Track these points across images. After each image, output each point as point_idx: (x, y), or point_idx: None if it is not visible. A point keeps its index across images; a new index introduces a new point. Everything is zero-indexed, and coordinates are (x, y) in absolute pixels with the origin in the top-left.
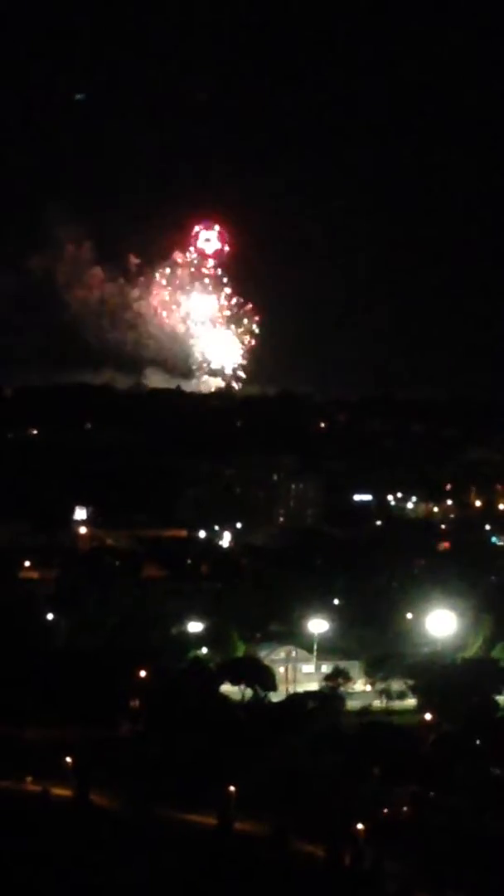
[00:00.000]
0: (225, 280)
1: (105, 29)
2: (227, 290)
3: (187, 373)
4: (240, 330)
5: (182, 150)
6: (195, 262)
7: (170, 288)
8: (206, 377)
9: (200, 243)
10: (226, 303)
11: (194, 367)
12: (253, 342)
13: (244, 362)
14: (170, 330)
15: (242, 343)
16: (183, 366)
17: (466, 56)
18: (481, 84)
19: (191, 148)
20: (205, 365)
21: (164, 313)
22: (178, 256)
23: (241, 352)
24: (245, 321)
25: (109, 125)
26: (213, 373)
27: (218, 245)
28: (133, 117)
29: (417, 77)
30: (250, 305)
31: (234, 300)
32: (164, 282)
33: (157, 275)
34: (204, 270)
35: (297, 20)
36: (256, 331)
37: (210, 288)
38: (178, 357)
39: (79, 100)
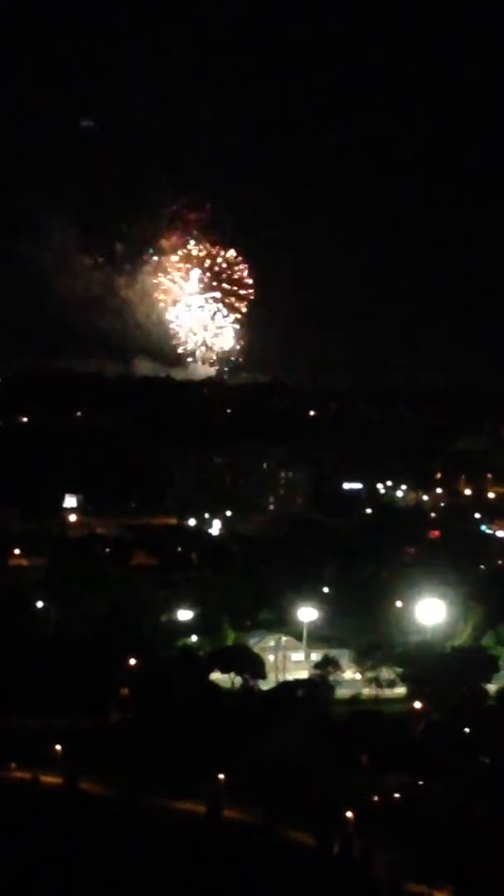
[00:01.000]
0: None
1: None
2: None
3: (174, 360)
4: (230, 318)
5: (170, 132)
6: (187, 249)
7: (157, 275)
8: (194, 365)
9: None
10: (215, 288)
11: (183, 355)
12: (239, 328)
13: (234, 350)
14: (156, 317)
15: (232, 331)
16: (171, 353)
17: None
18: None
19: (179, 130)
20: (193, 353)
21: (152, 300)
22: (164, 243)
23: (231, 340)
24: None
25: (96, 112)
26: (202, 360)
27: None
28: (119, 103)
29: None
30: (242, 293)
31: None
32: (150, 269)
33: (144, 262)
34: (193, 256)
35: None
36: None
37: (199, 276)
38: (166, 345)
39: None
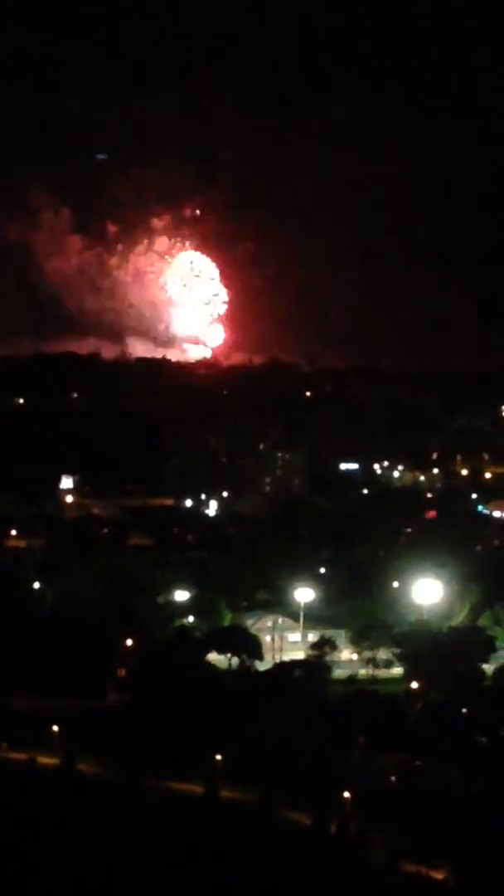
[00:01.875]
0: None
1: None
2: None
3: (168, 342)
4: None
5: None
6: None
7: (149, 255)
8: (188, 346)
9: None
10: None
11: (176, 336)
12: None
13: (228, 330)
14: (150, 298)
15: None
16: (164, 334)
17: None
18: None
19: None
20: (186, 334)
21: (145, 280)
22: (156, 224)
23: (225, 319)
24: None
25: (84, 90)
26: (196, 341)
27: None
28: (108, 82)
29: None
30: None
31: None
32: (142, 249)
33: (136, 242)
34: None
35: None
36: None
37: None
38: (160, 326)
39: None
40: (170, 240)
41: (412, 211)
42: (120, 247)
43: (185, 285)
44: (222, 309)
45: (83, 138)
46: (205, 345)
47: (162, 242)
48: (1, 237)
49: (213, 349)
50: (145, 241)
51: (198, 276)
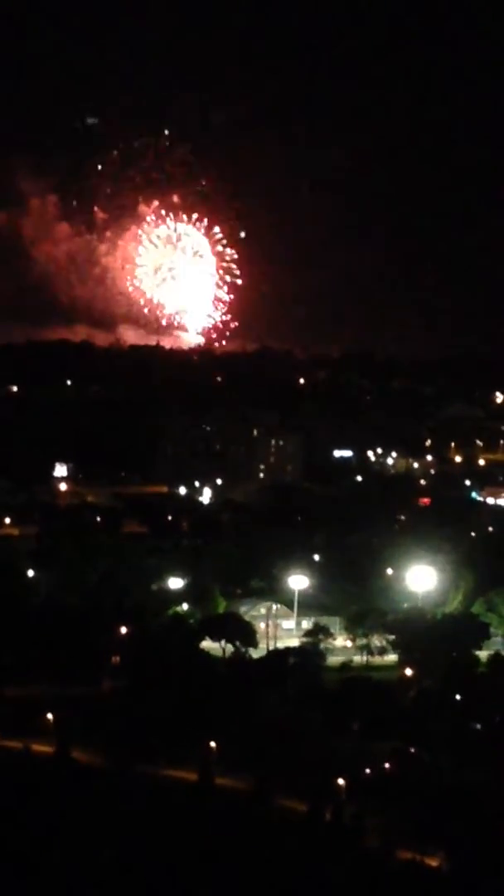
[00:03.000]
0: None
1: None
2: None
3: (159, 329)
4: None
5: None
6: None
7: (138, 242)
8: (180, 333)
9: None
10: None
11: (168, 323)
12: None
13: (221, 317)
14: (139, 285)
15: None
16: (155, 321)
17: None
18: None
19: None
20: (178, 321)
21: (135, 267)
22: (144, 209)
23: (219, 306)
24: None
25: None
26: (184, 327)
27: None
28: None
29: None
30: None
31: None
32: (131, 236)
33: (124, 229)
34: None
35: None
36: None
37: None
38: (150, 313)
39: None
40: (159, 227)
41: (408, 197)
42: (109, 234)
43: (176, 273)
44: (215, 296)
45: (71, 125)
46: (197, 332)
47: (151, 230)
48: None
49: (206, 336)
50: (134, 228)
51: (190, 262)
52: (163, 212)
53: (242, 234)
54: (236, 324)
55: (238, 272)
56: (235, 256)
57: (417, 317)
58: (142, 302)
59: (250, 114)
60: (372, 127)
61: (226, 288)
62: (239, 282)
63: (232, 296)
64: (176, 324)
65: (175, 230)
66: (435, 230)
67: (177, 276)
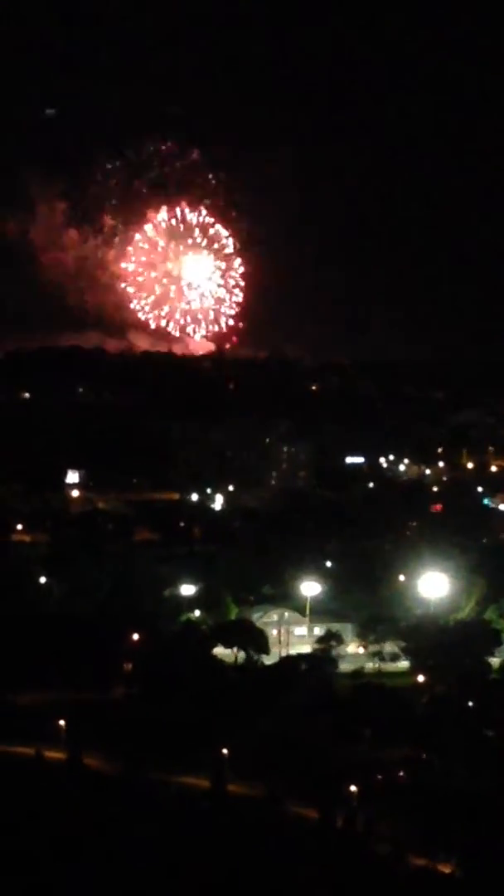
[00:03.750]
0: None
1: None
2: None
3: (169, 335)
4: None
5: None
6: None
7: (148, 248)
8: (191, 339)
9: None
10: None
11: (177, 330)
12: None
13: (231, 323)
14: (148, 291)
15: (229, 303)
16: (165, 328)
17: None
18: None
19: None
20: (189, 327)
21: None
22: (152, 216)
23: (230, 312)
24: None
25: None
26: (197, 334)
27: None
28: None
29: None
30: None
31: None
32: (140, 242)
33: (133, 235)
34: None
35: None
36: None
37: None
38: (160, 319)
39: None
40: (169, 233)
41: (418, 199)
42: (117, 240)
43: (185, 279)
44: (225, 302)
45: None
46: (208, 338)
47: (160, 236)
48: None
49: (218, 343)
50: (143, 234)
51: (200, 268)
52: (173, 221)
53: (253, 240)
54: (248, 330)
55: (248, 278)
56: (246, 262)
57: (429, 322)
58: (151, 308)
59: (261, 119)
60: (381, 133)
61: (237, 294)
62: (250, 288)
63: (243, 302)
64: (186, 330)
65: (184, 236)
66: (448, 235)
67: (187, 282)
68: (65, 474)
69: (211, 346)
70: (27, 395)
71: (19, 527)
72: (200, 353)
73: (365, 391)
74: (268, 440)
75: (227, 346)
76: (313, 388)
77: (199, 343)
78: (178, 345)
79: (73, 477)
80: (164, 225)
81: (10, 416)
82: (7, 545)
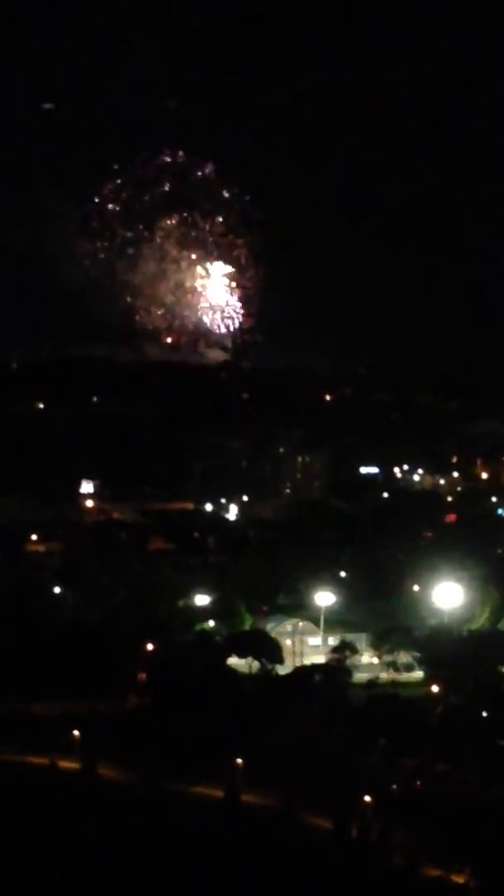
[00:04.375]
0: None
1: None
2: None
3: (182, 345)
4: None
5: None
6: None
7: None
8: (204, 349)
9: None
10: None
11: (190, 340)
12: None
13: (246, 334)
14: (161, 301)
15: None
16: (177, 338)
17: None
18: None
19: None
20: (202, 336)
21: (156, 284)
22: (164, 224)
23: (241, 322)
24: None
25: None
26: (210, 344)
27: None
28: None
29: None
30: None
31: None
32: (151, 252)
33: (145, 245)
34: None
35: None
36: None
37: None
38: (172, 329)
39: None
40: (181, 243)
41: (436, 207)
42: (129, 251)
43: (197, 289)
44: (239, 312)
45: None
46: (221, 348)
47: (172, 246)
48: (10, 242)
49: (232, 353)
50: (155, 245)
51: (212, 278)
52: (183, 229)
53: (266, 249)
54: (261, 340)
55: (262, 287)
56: (259, 272)
57: (444, 332)
58: (163, 318)
59: (274, 128)
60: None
61: (250, 304)
62: (263, 297)
63: (256, 312)
64: (200, 340)
65: (196, 246)
66: (464, 244)
67: (199, 292)
68: (79, 484)
69: (225, 356)
70: (41, 405)
71: (34, 537)
72: (214, 362)
73: (379, 401)
74: (282, 450)
75: (242, 356)
76: (327, 397)
77: (212, 353)
78: (191, 355)
79: (87, 487)
80: (175, 235)
81: (25, 426)
82: (22, 555)
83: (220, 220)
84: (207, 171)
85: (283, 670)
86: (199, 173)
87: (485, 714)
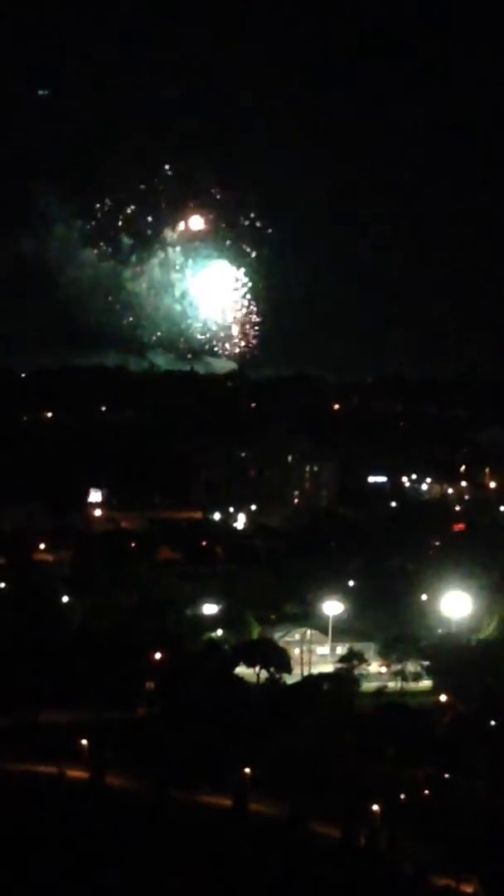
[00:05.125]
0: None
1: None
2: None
3: (189, 354)
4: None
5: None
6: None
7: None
8: (210, 358)
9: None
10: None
11: (200, 348)
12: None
13: (250, 342)
14: (166, 310)
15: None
16: (184, 347)
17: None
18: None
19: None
20: (208, 346)
21: (163, 293)
22: (170, 233)
23: (246, 331)
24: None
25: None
26: (216, 353)
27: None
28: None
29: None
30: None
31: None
32: (157, 261)
33: (150, 254)
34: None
35: None
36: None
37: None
38: (179, 338)
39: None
40: (186, 250)
41: (441, 216)
42: (134, 258)
43: (203, 298)
44: (246, 321)
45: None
46: (228, 357)
47: (177, 254)
48: (16, 251)
49: (240, 362)
50: (160, 253)
51: (218, 286)
52: (189, 237)
53: (273, 258)
54: (269, 349)
55: (269, 296)
56: (266, 281)
57: (450, 340)
58: (170, 327)
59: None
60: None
61: (257, 313)
62: (270, 306)
63: (263, 321)
64: (206, 349)
65: (202, 254)
66: (470, 252)
67: (205, 301)
68: (87, 493)
69: (232, 365)
70: (49, 413)
71: (42, 545)
72: (222, 371)
73: (387, 410)
74: (290, 459)
75: (249, 365)
76: (335, 406)
77: (220, 362)
78: (199, 363)
79: (95, 496)
80: (181, 243)
81: (33, 434)
82: (30, 564)
83: (225, 227)
84: (214, 179)
85: (291, 679)
86: (206, 181)
87: (493, 723)
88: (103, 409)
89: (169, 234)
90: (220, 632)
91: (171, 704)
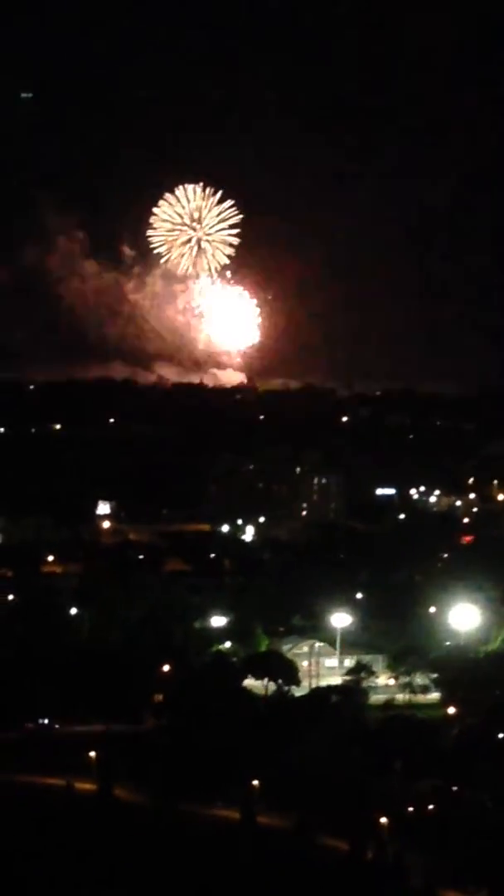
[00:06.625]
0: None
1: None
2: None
3: (196, 366)
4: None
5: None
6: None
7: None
8: (218, 371)
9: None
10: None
11: (205, 360)
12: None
13: (262, 355)
14: (169, 322)
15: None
16: (188, 359)
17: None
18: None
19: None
20: (216, 358)
21: (166, 304)
22: (172, 246)
23: (252, 344)
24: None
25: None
26: (221, 365)
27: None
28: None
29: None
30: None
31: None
32: (160, 272)
33: (153, 266)
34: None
35: None
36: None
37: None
38: (185, 350)
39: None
40: (192, 262)
41: (449, 225)
42: (136, 270)
43: (210, 310)
44: (254, 333)
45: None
46: (234, 369)
47: (181, 265)
48: (19, 264)
49: (248, 374)
50: (163, 265)
51: (225, 299)
52: (194, 249)
53: (280, 271)
54: (278, 362)
55: (277, 310)
56: (273, 294)
57: (460, 353)
58: (175, 339)
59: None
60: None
61: (266, 325)
62: (278, 319)
63: (273, 333)
64: (214, 361)
65: (208, 266)
66: (479, 266)
67: (212, 313)
68: (95, 505)
69: (241, 378)
70: (58, 426)
71: (50, 558)
72: (230, 384)
73: (395, 422)
74: (298, 471)
75: (258, 377)
76: (344, 419)
77: (228, 375)
78: (207, 376)
79: (103, 508)
80: (185, 255)
81: (41, 447)
82: (38, 576)
83: (230, 239)
84: (218, 191)
85: (299, 692)
86: (208, 193)
87: (501, 736)
88: (111, 421)
89: (172, 244)
90: (228, 644)
91: (179, 717)
